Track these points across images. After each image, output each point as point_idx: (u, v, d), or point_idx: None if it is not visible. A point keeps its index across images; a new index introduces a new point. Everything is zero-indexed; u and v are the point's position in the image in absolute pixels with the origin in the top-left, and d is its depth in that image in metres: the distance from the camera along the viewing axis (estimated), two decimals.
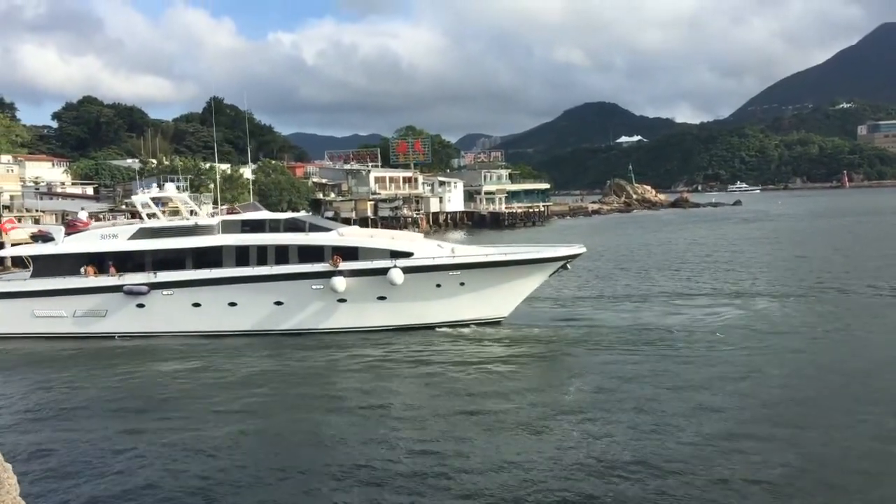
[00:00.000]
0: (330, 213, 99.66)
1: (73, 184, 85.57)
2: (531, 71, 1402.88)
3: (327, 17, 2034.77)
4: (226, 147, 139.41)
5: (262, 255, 30.21)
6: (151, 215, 33.24)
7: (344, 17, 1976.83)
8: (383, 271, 29.15)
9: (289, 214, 33.96)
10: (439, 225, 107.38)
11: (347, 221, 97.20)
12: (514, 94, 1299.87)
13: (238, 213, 33.98)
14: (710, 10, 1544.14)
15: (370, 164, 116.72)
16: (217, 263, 30.45)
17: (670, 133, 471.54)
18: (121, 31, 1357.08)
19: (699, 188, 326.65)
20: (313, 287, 29.67)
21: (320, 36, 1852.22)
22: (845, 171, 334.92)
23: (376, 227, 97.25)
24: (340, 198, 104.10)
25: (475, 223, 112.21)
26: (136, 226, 32.16)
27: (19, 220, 52.66)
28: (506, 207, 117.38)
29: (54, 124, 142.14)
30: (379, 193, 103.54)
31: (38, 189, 75.83)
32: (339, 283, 29.05)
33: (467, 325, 30.20)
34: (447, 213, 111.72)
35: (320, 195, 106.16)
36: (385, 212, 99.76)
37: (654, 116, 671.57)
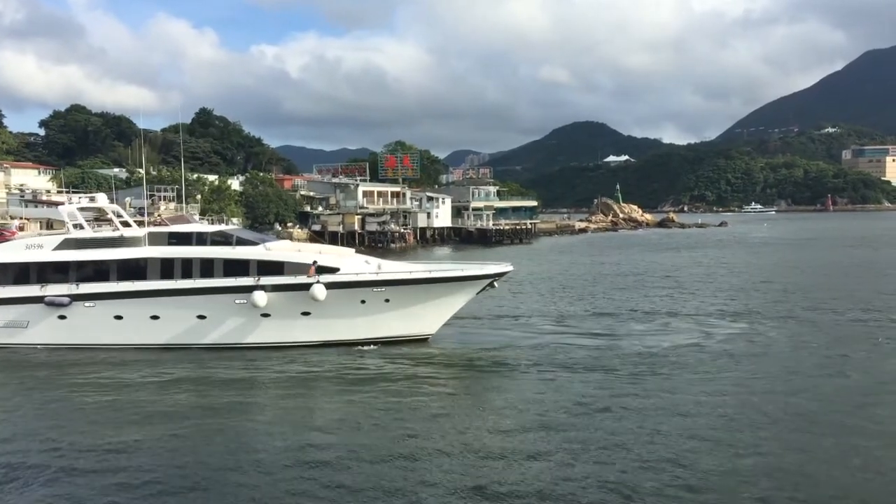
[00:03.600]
0: (317, 227, 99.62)
1: (58, 192, 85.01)
2: (518, 89, 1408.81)
3: (311, 31, 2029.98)
4: (214, 158, 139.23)
5: (186, 268, 29.94)
6: (78, 226, 32.46)
7: (328, 31, 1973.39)
8: (306, 286, 28.97)
9: (217, 227, 33.64)
10: (427, 240, 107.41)
11: (335, 235, 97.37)
12: (502, 112, 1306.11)
13: (166, 224, 33.50)
14: (695, 32, 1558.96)
15: (358, 178, 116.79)
16: (142, 276, 30.13)
17: (657, 153, 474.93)
18: (103, 40, 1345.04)
19: (685, 208, 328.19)
20: (236, 301, 29.43)
21: (304, 49, 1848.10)
22: (829, 195, 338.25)
23: (363, 241, 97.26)
24: (328, 211, 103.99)
25: (462, 239, 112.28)
26: (62, 236, 31.71)
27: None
28: (493, 224, 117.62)
29: (41, 132, 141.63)
30: (367, 208, 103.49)
31: (23, 196, 75.27)
32: (260, 297, 28.81)
33: (393, 342, 30.01)
34: (435, 228, 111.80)
35: (308, 208, 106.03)
36: (373, 226, 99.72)
37: (641, 137, 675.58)
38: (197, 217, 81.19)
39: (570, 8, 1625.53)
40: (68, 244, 31.04)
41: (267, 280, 29.20)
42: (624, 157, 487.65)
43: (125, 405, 22.46)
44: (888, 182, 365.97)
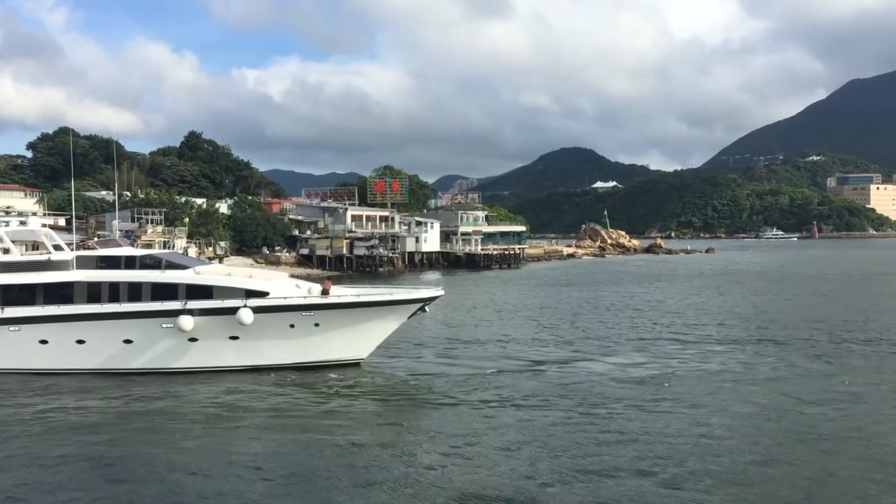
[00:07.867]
0: (305, 251, 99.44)
1: (45, 214, 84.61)
2: (502, 114, 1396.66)
3: (292, 55, 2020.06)
4: (202, 182, 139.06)
5: (114, 292, 29.71)
6: (4, 250, 32.16)
7: (309, 55, 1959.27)
8: (233, 311, 28.78)
9: (146, 251, 33.43)
10: (415, 265, 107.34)
11: (323, 259, 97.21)
12: (487, 137, 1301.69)
13: (95, 248, 33.23)
14: (675, 60, 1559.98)
15: (347, 202, 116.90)
16: (69, 300, 29.84)
17: (645, 180, 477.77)
18: (81, 62, 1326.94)
19: (672, 234, 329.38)
20: (163, 325, 29.16)
21: (286, 73, 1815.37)
22: (815, 222, 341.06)
23: (352, 265, 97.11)
24: (317, 235, 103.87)
25: (451, 264, 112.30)
26: None
27: None
28: (482, 249, 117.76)
29: (29, 153, 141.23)
30: (355, 232, 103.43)
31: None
32: (186, 321, 28.58)
33: (324, 367, 29.84)
34: (423, 253, 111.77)
35: (296, 232, 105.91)
36: (361, 250, 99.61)
37: (628, 163, 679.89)
38: (185, 241, 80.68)
39: (548, 34, 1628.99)
40: None
41: (194, 304, 28.98)
42: (611, 183, 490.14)
43: (43, 434, 21.85)
44: (872, 210, 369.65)
